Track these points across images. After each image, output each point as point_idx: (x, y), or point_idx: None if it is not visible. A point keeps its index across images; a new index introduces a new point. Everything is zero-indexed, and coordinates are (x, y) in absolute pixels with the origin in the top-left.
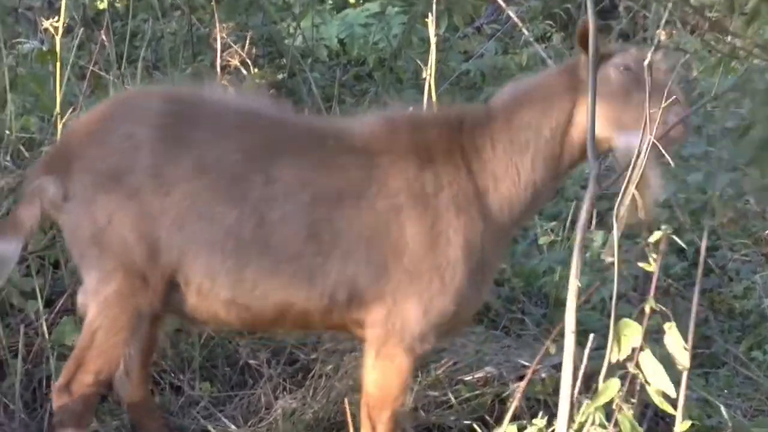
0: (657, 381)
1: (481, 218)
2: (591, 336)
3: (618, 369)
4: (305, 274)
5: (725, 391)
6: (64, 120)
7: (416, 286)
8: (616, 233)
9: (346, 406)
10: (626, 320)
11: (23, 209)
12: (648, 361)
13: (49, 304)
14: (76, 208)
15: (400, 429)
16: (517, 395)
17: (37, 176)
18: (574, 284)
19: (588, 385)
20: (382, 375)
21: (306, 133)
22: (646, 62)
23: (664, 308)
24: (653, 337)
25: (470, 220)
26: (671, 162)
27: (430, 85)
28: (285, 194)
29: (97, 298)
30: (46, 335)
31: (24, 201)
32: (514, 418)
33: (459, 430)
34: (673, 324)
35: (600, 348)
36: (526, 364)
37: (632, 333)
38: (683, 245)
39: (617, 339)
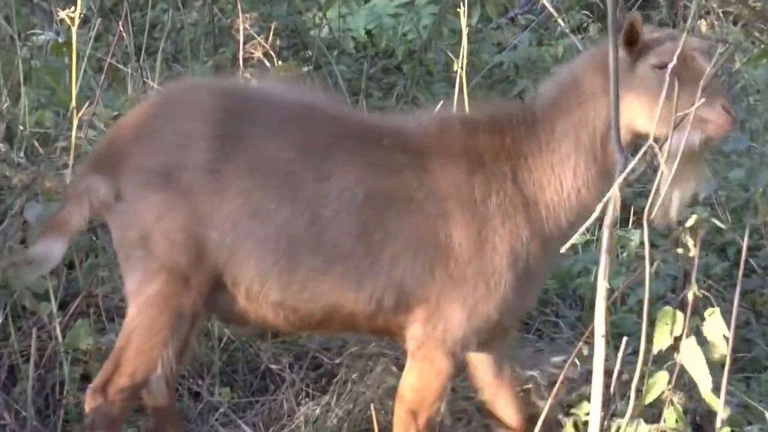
0: (696, 373)
1: (526, 227)
2: (624, 339)
3: (653, 369)
4: (354, 275)
5: (766, 397)
6: (80, 115)
7: (460, 291)
8: (646, 231)
9: (373, 412)
10: (666, 309)
11: (70, 209)
12: (690, 351)
13: (63, 306)
14: (127, 208)
15: None
16: (549, 401)
17: (86, 176)
18: (602, 286)
19: (623, 392)
20: (419, 377)
21: (361, 130)
22: (676, 54)
23: (707, 293)
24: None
25: (516, 228)
26: (707, 160)
27: (461, 79)
28: (338, 192)
29: (138, 299)
30: (60, 339)
31: (71, 201)
32: (548, 424)
33: None
34: (717, 309)
35: (636, 352)
36: (557, 369)
37: (671, 323)
38: (723, 237)
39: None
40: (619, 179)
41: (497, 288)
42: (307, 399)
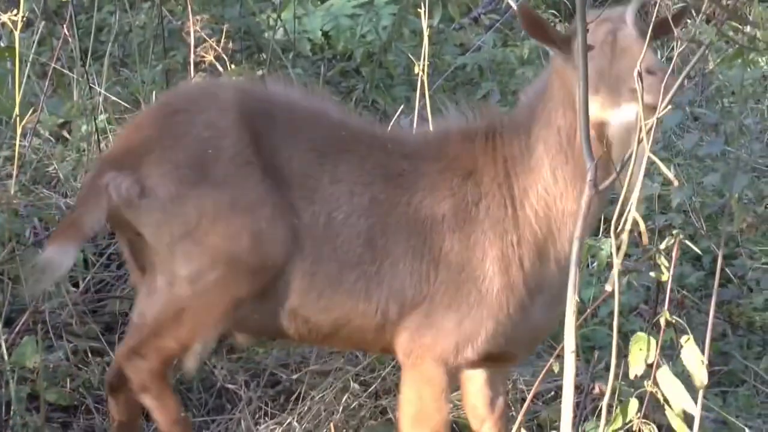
0: (676, 399)
1: (515, 231)
2: (596, 354)
3: (626, 388)
4: (363, 283)
5: (744, 412)
6: (23, 123)
7: (451, 297)
8: (613, 242)
9: (332, 431)
10: (639, 334)
11: (84, 211)
12: (666, 378)
13: (8, 323)
14: (158, 204)
15: None
16: (519, 418)
17: (103, 174)
18: (572, 300)
19: (595, 407)
20: (413, 389)
21: (368, 135)
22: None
23: (679, 320)
24: (664, 353)
25: (504, 232)
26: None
27: (423, 82)
28: (349, 194)
29: (194, 286)
30: (5, 357)
31: (84, 202)
32: None
33: None
34: (690, 337)
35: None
36: (526, 386)
37: (645, 348)
38: (698, 251)
39: (626, 355)
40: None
41: (488, 294)
42: (265, 418)
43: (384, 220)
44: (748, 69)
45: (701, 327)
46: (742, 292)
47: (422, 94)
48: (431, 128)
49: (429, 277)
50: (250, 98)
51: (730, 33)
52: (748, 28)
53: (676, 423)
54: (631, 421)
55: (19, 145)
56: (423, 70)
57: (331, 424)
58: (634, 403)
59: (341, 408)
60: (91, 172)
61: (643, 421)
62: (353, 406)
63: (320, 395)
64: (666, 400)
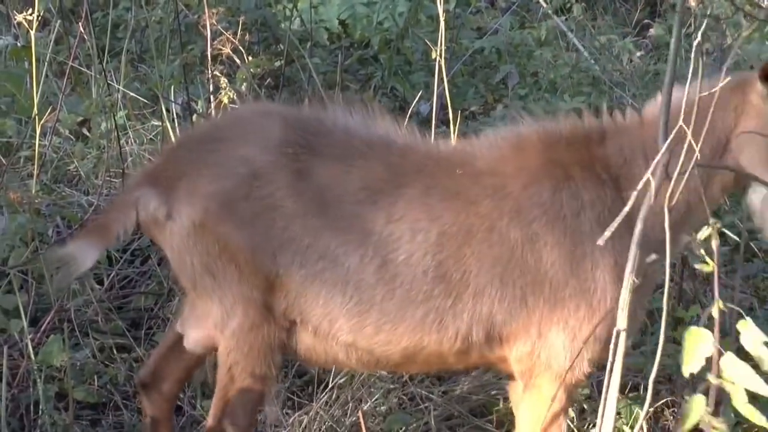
0: (747, 385)
1: (629, 236)
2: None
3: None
4: (434, 317)
5: None
6: (42, 121)
7: (560, 314)
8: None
9: (361, 419)
10: (693, 328)
11: (113, 215)
12: (734, 366)
13: (34, 322)
14: (182, 231)
15: None
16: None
17: (138, 187)
18: (629, 279)
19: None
20: (531, 408)
21: (433, 162)
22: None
23: (736, 307)
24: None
25: (619, 238)
26: None
27: (440, 66)
28: (411, 233)
29: (225, 332)
30: (32, 356)
31: (117, 208)
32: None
33: None
34: (749, 320)
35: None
36: None
37: (701, 341)
38: (728, 233)
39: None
40: (659, 171)
41: (600, 305)
42: (294, 407)
43: (460, 251)
44: (766, 43)
45: (728, 302)
46: (767, 267)
47: (440, 80)
48: (501, 138)
49: (526, 300)
50: (298, 132)
51: (747, 7)
52: (765, 2)
53: (748, 412)
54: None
55: (39, 145)
56: (440, 55)
57: (360, 412)
58: (700, 399)
59: (369, 396)
60: (131, 180)
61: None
62: (381, 393)
63: (348, 384)
64: (732, 392)
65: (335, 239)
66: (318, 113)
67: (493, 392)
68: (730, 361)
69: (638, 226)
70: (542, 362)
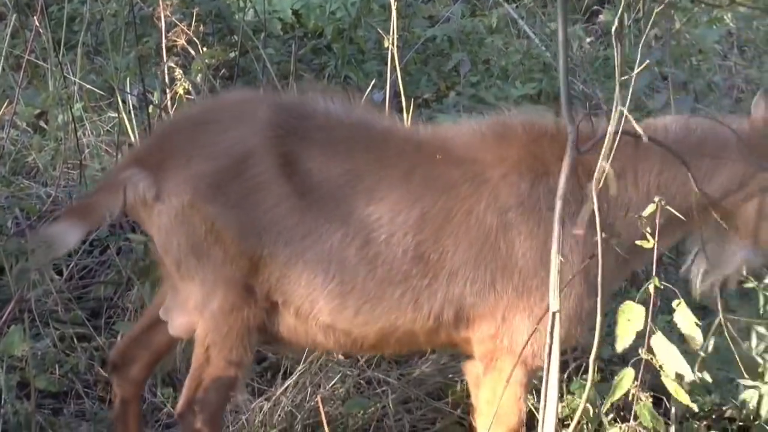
0: (672, 365)
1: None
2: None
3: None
4: (410, 296)
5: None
6: (0, 114)
7: (526, 302)
8: (594, 199)
9: (320, 404)
10: (627, 303)
11: (101, 197)
12: (661, 344)
13: None
14: (170, 212)
15: None
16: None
17: (126, 168)
18: (555, 259)
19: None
20: (492, 390)
21: (413, 147)
22: None
23: (668, 285)
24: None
25: (590, 237)
26: None
27: (393, 55)
28: (392, 213)
29: (204, 314)
30: None
31: (103, 190)
32: None
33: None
34: (682, 301)
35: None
36: None
37: (636, 317)
38: (676, 213)
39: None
40: (570, 150)
41: (567, 299)
42: (254, 394)
43: (438, 233)
44: (714, 27)
45: (679, 282)
46: None
47: (393, 68)
48: (485, 126)
49: (495, 285)
50: (288, 118)
51: None
52: None
53: (672, 388)
54: (628, 391)
55: None
56: (393, 44)
57: (318, 398)
58: (630, 372)
59: (327, 381)
60: (119, 162)
61: (640, 390)
62: (339, 377)
63: (307, 370)
64: (661, 367)
65: (319, 219)
66: (302, 99)
67: (450, 375)
68: (659, 339)
69: (558, 204)
70: (504, 346)
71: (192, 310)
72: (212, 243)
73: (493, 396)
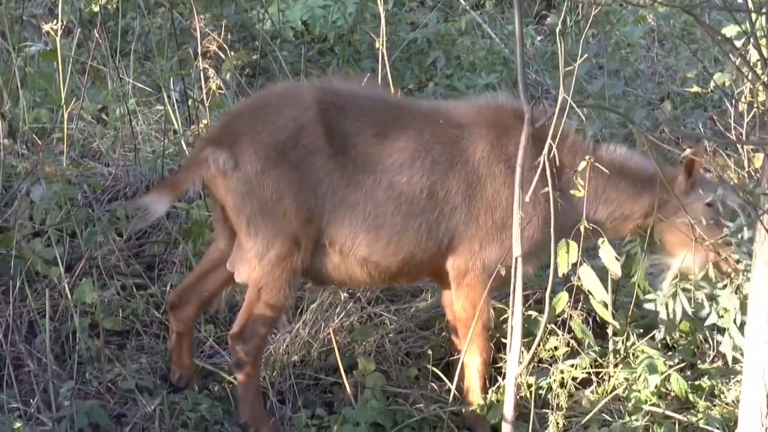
0: (595, 291)
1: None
2: None
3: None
4: (426, 227)
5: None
6: (69, 110)
7: (500, 235)
8: (547, 165)
9: (332, 334)
10: (565, 240)
11: (184, 174)
12: (587, 274)
13: (68, 269)
14: (246, 177)
15: (488, 346)
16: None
17: (205, 148)
18: (517, 212)
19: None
20: (466, 299)
21: (420, 114)
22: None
23: (595, 227)
24: (591, 254)
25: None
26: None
27: (383, 54)
28: (411, 159)
29: (262, 261)
30: (69, 296)
31: (187, 168)
32: None
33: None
34: (605, 239)
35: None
36: None
37: (572, 250)
38: (605, 170)
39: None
40: (526, 126)
41: (529, 239)
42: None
43: (445, 176)
44: (639, 25)
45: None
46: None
47: (383, 65)
48: (481, 102)
49: (479, 219)
50: (326, 96)
51: None
52: None
53: (599, 309)
54: (563, 311)
55: (67, 128)
56: (383, 45)
57: (330, 329)
58: (564, 295)
59: (336, 316)
60: (195, 147)
61: (573, 309)
62: (345, 313)
63: (318, 308)
64: (589, 292)
65: (356, 170)
66: (335, 82)
67: (434, 310)
68: (585, 270)
69: (518, 170)
70: (477, 267)
71: (252, 259)
72: (276, 201)
73: (468, 303)
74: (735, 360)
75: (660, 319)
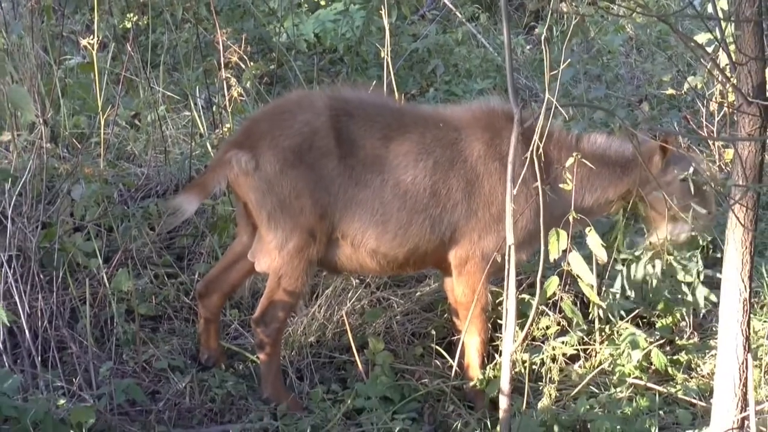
0: (583, 275)
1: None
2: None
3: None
4: (429, 222)
5: None
6: (105, 116)
7: (496, 227)
8: (535, 161)
9: (345, 316)
10: (556, 229)
11: (211, 175)
12: (575, 260)
13: (106, 260)
14: (267, 177)
15: (486, 327)
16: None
17: (228, 150)
18: (509, 202)
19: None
20: (466, 285)
21: (422, 118)
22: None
23: (584, 217)
24: (578, 241)
25: (537, 188)
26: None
27: (388, 63)
28: (415, 161)
29: (282, 252)
30: (107, 285)
31: (212, 170)
32: None
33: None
34: (592, 228)
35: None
36: None
37: (561, 237)
38: (591, 165)
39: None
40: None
41: (522, 229)
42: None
43: (446, 175)
44: (618, 34)
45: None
46: None
47: (388, 73)
48: (475, 107)
49: (477, 213)
50: (336, 103)
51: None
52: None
53: (587, 291)
54: (554, 293)
55: (104, 133)
56: (387, 55)
57: (343, 312)
58: (555, 279)
59: (348, 300)
60: (220, 149)
61: (563, 291)
62: (356, 297)
63: (333, 294)
64: (578, 276)
65: (365, 170)
66: (344, 90)
67: (437, 294)
68: (574, 256)
69: (509, 167)
70: (477, 256)
71: (272, 250)
72: (294, 198)
73: (468, 288)
74: (706, 306)
75: (633, 279)
